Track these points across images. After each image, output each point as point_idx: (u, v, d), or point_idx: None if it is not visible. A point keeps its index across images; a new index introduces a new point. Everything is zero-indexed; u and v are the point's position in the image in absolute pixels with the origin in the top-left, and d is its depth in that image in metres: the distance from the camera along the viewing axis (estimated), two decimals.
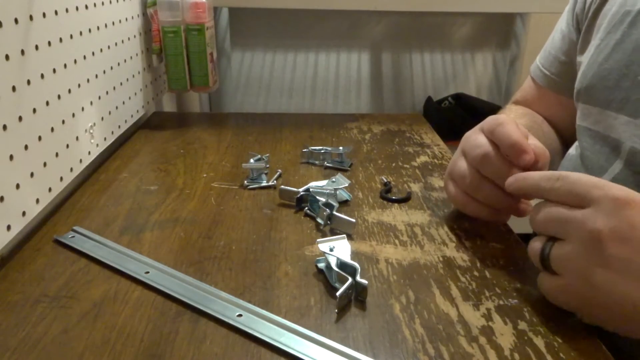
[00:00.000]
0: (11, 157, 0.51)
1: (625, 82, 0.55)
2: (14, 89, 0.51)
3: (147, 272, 0.48)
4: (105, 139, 0.74)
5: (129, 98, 0.83)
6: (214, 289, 0.46)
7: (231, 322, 0.42)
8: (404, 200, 0.64)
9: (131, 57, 0.84)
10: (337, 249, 0.49)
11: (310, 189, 0.62)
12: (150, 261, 0.50)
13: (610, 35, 0.58)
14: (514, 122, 0.52)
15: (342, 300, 0.44)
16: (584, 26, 0.65)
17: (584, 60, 0.63)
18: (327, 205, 0.57)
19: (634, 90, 0.54)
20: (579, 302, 0.42)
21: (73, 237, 0.54)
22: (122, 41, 0.80)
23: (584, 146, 0.61)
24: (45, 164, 0.57)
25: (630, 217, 0.38)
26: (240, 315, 0.43)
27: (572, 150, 0.66)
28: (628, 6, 0.58)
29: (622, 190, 0.39)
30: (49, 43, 0.58)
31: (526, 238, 0.50)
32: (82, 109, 0.66)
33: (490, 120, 0.53)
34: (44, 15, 0.57)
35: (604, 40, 0.59)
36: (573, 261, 0.40)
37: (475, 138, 0.53)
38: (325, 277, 0.49)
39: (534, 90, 0.76)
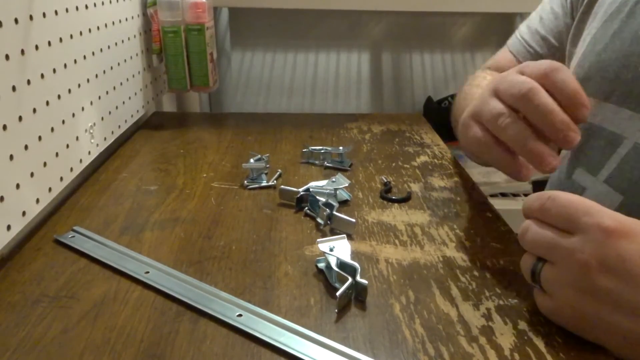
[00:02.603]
0: (11, 157, 0.51)
1: (626, 74, 0.53)
2: (14, 89, 0.51)
3: (147, 272, 0.48)
4: (105, 138, 0.74)
5: (129, 98, 0.83)
6: (213, 288, 0.46)
7: (231, 322, 0.42)
8: (404, 200, 0.64)
9: (131, 57, 0.84)
10: (337, 249, 0.49)
11: (310, 189, 0.62)
12: (150, 261, 0.50)
13: (607, 24, 0.58)
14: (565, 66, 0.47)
15: (342, 300, 0.44)
16: (578, 14, 0.64)
17: (577, 50, 0.62)
18: (327, 205, 0.57)
19: (636, 83, 0.52)
20: (572, 324, 0.41)
21: (73, 237, 0.54)
22: (122, 41, 0.80)
23: None
24: (45, 164, 0.57)
25: (619, 248, 0.37)
26: (240, 315, 0.43)
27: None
28: None
29: (612, 219, 0.38)
30: (49, 43, 0.58)
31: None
32: (82, 108, 0.66)
33: (539, 62, 0.47)
34: (44, 15, 0.57)
35: (599, 30, 0.58)
36: (562, 287, 0.40)
37: (516, 77, 0.47)
38: (325, 277, 0.49)
39: (511, 65, 0.71)
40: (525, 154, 0.47)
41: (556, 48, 0.69)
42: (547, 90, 0.46)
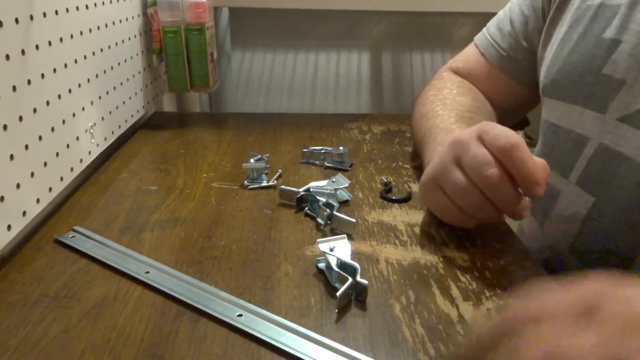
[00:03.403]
0: (11, 157, 0.51)
1: (589, 77, 0.55)
2: (14, 89, 0.51)
3: (147, 272, 0.48)
4: (105, 138, 0.74)
5: (129, 98, 0.83)
6: (214, 288, 0.46)
7: (231, 322, 0.42)
8: (404, 200, 0.64)
9: (131, 57, 0.84)
10: (338, 249, 0.49)
11: (311, 189, 0.62)
12: (151, 261, 0.50)
13: (573, 29, 0.58)
14: (524, 140, 0.47)
15: (342, 300, 0.44)
16: (548, 18, 0.64)
17: (547, 54, 0.62)
18: (328, 205, 0.57)
19: (598, 85, 0.54)
20: None
21: (73, 236, 0.54)
22: (122, 41, 0.80)
23: (548, 142, 0.61)
24: (45, 164, 0.57)
25: None
26: (240, 315, 0.43)
27: (536, 151, 0.65)
28: (589, 1, 0.58)
29: None
30: (49, 43, 0.58)
31: None
32: (83, 108, 0.66)
33: (500, 136, 0.47)
34: (44, 15, 0.57)
35: (567, 34, 0.59)
36: None
37: (477, 151, 0.48)
38: (325, 277, 0.49)
39: (482, 67, 0.73)
40: (486, 220, 0.52)
41: (528, 51, 0.68)
42: (504, 165, 0.47)
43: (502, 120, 0.74)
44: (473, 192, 0.49)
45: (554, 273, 0.53)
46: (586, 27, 0.57)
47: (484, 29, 0.75)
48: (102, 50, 0.72)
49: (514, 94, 0.71)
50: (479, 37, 0.75)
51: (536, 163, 0.46)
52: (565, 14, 0.62)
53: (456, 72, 0.77)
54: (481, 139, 0.48)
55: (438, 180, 0.52)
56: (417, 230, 0.58)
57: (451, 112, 0.65)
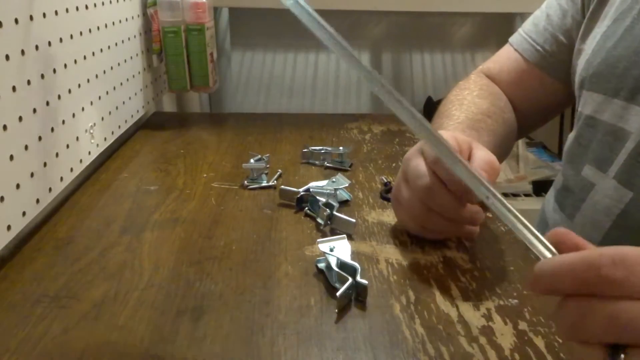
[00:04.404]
0: (11, 157, 0.51)
1: (635, 70, 0.54)
2: (14, 89, 0.51)
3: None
4: (105, 139, 0.74)
5: (129, 98, 0.83)
6: None
7: None
8: None
9: (131, 57, 0.84)
10: (337, 249, 0.49)
11: (311, 189, 0.62)
12: None
13: (619, 22, 0.58)
14: (456, 149, 0.49)
15: (342, 301, 0.44)
16: (589, 11, 0.63)
17: (586, 47, 0.62)
18: (327, 205, 0.57)
19: None
20: None
21: None
22: (122, 41, 0.80)
23: (584, 135, 0.60)
24: (45, 164, 0.57)
25: None
26: None
27: (570, 140, 0.64)
28: None
29: None
30: (49, 43, 0.58)
31: None
32: (82, 109, 0.66)
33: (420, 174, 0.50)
34: (44, 15, 0.57)
35: (610, 27, 0.58)
36: None
37: (417, 165, 0.50)
38: (325, 277, 0.49)
39: (518, 64, 0.72)
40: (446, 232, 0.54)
41: (564, 45, 0.68)
42: (438, 175, 0.49)
43: (532, 123, 0.74)
44: (415, 203, 0.51)
45: None
46: (634, 20, 0.56)
47: (519, 29, 0.74)
48: (102, 50, 0.72)
49: (548, 90, 0.70)
50: (513, 36, 0.74)
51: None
52: (607, 7, 0.61)
53: (487, 73, 0.76)
54: (421, 152, 0.51)
55: (395, 195, 0.55)
56: None
57: (462, 114, 0.65)
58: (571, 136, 0.64)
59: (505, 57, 0.75)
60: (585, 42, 0.63)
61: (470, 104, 0.67)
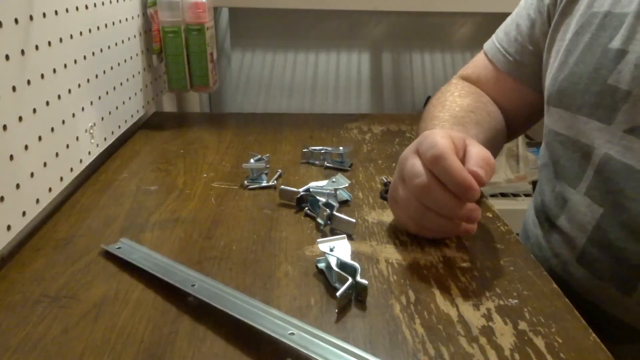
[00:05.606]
0: (11, 157, 0.51)
1: (595, 87, 0.54)
2: (14, 89, 0.51)
3: (194, 285, 0.46)
4: (105, 139, 0.74)
5: (129, 98, 0.83)
6: (264, 305, 0.43)
7: (284, 339, 0.39)
8: None
9: (131, 57, 0.84)
10: (337, 249, 0.49)
11: (311, 189, 0.62)
12: (195, 274, 0.48)
13: (579, 36, 0.58)
14: (452, 147, 0.49)
15: (342, 301, 0.44)
16: (553, 21, 0.63)
17: (552, 61, 0.62)
18: (327, 205, 0.57)
19: (604, 96, 0.53)
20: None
21: (120, 247, 0.53)
22: (122, 41, 0.80)
23: (555, 152, 0.60)
24: (45, 164, 0.57)
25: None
26: (292, 334, 0.40)
27: (541, 158, 0.65)
28: (595, 7, 0.57)
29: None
30: (49, 43, 0.58)
31: None
32: (82, 109, 0.66)
33: (428, 148, 0.49)
34: (44, 15, 0.57)
35: (572, 41, 0.58)
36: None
37: (413, 164, 0.51)
38: (325, 277, 0.49)
39: (490, 73, 0.72)
40: (445, 232, 0.55)
41: (535, 55, 0.67)
42: (435, 174, 0.49)
43: (517, 127, 0.74)
44: (412, 202, 0.52)
45: (559, 281, 0.53)
46: (593, 35, 0.56)
47: (493, 36, 0.74)
48: (102, 50, 0.72)
49: (524, 99, 0.70)
50: (487, 44, 0.74)
51: (464, 170, 0.48)
52: (569, 18, 0.61)
53: (466, 79, 0.76)
54: (417, 151, 0.51)
55: (392, 194, 0.56)
56: None
57: (445, 114, 0.65)
58: (542, 150, 0.64)
59: (481, 66, 0.74)
60: (550, 55, 0.63)
61: (452, 103, 0.68)
